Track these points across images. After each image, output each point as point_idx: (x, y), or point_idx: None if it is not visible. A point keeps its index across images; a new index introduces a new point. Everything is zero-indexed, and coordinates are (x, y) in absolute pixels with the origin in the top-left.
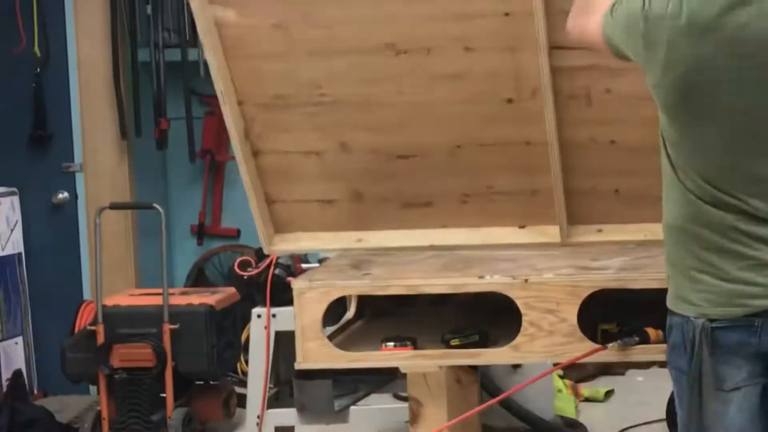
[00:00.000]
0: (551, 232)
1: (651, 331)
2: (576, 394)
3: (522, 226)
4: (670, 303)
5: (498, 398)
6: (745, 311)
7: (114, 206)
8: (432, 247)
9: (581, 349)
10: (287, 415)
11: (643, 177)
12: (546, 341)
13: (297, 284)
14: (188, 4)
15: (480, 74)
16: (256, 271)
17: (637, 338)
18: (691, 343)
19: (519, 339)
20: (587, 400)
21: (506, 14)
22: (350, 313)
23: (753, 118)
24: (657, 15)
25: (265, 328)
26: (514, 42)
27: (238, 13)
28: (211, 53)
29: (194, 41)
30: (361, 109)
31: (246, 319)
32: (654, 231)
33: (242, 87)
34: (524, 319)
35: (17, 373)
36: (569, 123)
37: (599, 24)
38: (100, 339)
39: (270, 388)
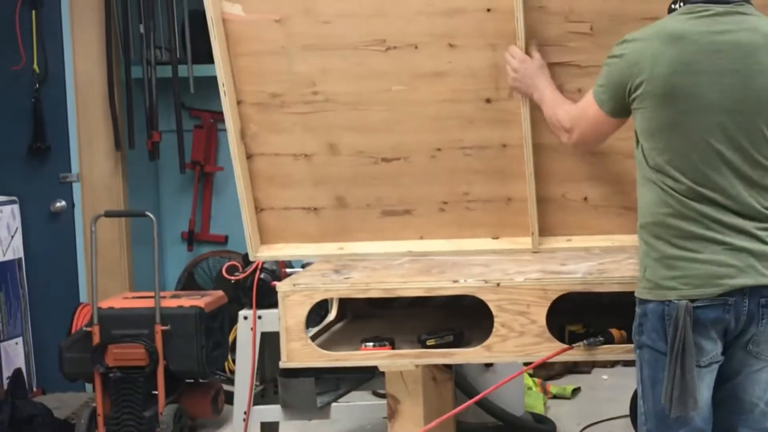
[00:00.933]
0: (523, 243)
1: (615, 332)
2: (545, 391)
3: (496, 237)
4: (644, 293)
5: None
6: (721, 290)
7: (109, 214)
8: (410, 253)
9: (550, 349)
10: (272, 412)
11: (610, 184)
12: (517, 341)
13: (281, 288)
14: (179, 24)
15: (462, 72)
16: (242, 275)
17: (601, 338)
18: (673, 322)
19: (491, 339)
20: (555, 397)
21: (488, 10)
22: (332, 315)
23: (732, 118)
24: (634, 38)
25: (252, 329)
26: (494, 38)
27: (244, 8)
28: (218, 44)
29: (184, 58)
30: (350, 108)
31: (233, 321)
32: (621, 240)
33: (241, 85)
34: (496, 320)
35: (17, 372)
36: (543, 122)
37: (593, 104)
38: (96, 339)
39: (256, 385)
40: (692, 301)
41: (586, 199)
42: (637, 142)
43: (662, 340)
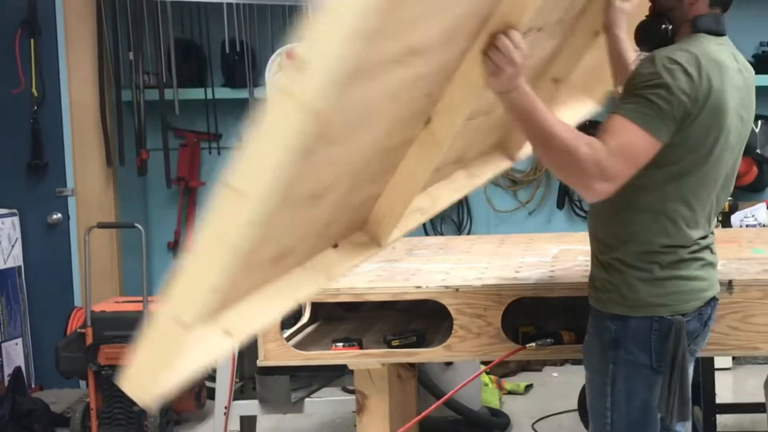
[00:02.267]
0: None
1: (564, 333)
2: (500, 387)
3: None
4: (623, 310)
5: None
6: (701, 302)
7: (101, 225)
8: None
9: (504, 349)
10: (251, 406)
11: None
12: (474, 342)
13: None
14: (165, 51)
15: None
16: None
17: (551, 339)
18: (673, 338)
19: (451, 340)
20: (510, 393)
21: None
22: (305, 318)
23: (738, 155)
24: (696, 66)
25: None
26: None
27: None
28: None
29: (170, 83)
30: None
31: None
32: (437, 195)
33: None
34: (455, 322)
35: (17, 370)
36: None
37: (641, 135)
38: (89, 340)
39: (236, 382)
40: (683, 315)
41: None
42: (650, 168)
43: (646, 353)
